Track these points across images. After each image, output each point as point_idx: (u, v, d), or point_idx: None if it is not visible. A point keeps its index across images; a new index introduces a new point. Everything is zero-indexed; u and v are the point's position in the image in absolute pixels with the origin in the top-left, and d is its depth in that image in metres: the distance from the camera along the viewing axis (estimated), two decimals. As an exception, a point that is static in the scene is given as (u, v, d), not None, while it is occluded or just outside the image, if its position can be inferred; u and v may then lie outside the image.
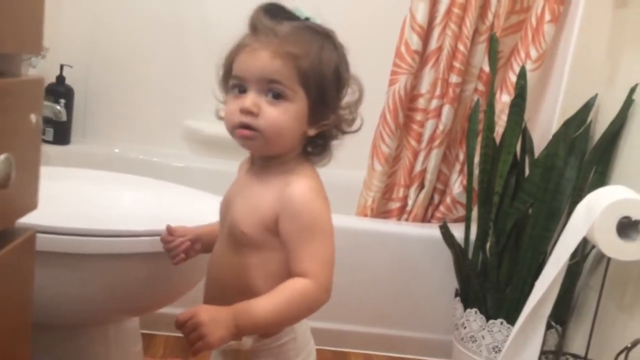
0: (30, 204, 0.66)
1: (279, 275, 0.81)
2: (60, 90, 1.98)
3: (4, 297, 0.61)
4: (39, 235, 0.95)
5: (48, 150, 1.99)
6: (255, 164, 0.88)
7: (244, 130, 0.81)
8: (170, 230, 0.97)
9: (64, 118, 1.80)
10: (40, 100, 0.66)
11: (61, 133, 2.03)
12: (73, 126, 2.08)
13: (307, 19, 0.83)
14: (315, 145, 0.87)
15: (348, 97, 0.86)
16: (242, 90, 0.82)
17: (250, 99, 0.80)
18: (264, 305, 0.78)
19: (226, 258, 0.87)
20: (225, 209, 0.89)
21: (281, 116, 0.80)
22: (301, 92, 0.81)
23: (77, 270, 1.02)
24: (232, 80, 0.83)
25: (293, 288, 0.78)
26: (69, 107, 1.99)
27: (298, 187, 0.81)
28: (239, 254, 0.85)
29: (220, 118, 0.87)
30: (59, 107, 1.78)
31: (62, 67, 1.99)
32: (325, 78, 0.82)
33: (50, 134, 2.02)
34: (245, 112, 0.80)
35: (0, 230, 0.61)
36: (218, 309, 0.77)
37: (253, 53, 0.80)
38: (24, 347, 0.67)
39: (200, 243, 0.96)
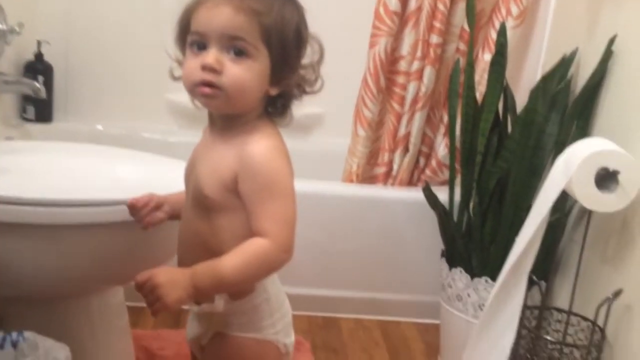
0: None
1: (247, 236, 0.80)
2: (38, 67, 1.96)
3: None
4: (15, 207, 0.96)
5: (30, 128, 1.98)
6: (216, 125, 0.86)
7: (206, 88, 0.79)
8: (133, 199, 0.96)
9: (44, 95, 1.76)
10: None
11: (43, 111, 2.01)
12: (55, 104, 2.06)
13: None
14: (276, 105, 0.86)
15: (309, 57, 0.85)
16: (202, 46, 0.80)
17: (212, 56, 0.78)
18: (222, 265, 0.78)
19: (193, 223, 0.87)
20: (189, 173, 0.89)
21: (244, 74, 0.79)
22: (264, 50, 0.80)
23: (54, 241, 1.02)
24: (192, 36, 0.81)
25: (251, 248, 0.78)
26: (48, 84, 1.96)
27: (257, 146, 0.81)
28: (204, 217, 0.84)
29: (175, 78, 0.86)
30: (37, 85, 1.76)
31: (39, 43, 1.96)
32: (287, 36, 0.81)
33: (31, 112, 2.00)
34: (208, 69, 0.78)
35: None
36: (177, 271, 0.78)
37: (215, 8, 0.78)
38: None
39: (167, 206, 0.95)
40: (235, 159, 0.81)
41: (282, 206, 0.80)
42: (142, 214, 0.95)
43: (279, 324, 0.90)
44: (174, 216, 0.95)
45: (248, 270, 0.78)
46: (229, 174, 0.81)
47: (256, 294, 0.86)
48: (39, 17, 1.99)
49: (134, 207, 0.95)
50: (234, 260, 0.78)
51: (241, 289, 0.85)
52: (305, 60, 0.85)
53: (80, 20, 2.05)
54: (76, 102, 2.11)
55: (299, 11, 0.83)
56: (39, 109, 2.00)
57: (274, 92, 0.83)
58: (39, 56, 1.97)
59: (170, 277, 0.76)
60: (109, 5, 2.05)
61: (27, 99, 1.99)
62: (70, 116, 2.11)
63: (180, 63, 0.85)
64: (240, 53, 0.79)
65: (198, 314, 0.89)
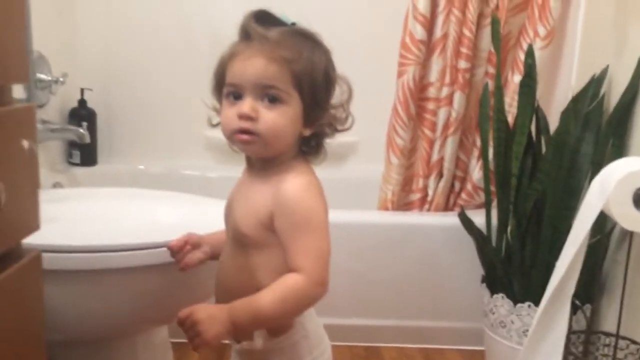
0: (31, 226, 0.69)
1: (283, 272, 0.83)
2: (82, 113, 2.05)
3: (12, 315, 0.65)
4: (58, 255, 1.01)
5: (76, 172, 2.07)
6: (254, 167, 0.90)
7: (243, 135, 0.83)
8: (172, 242, 0.99)
9: (88, 140, 1.86)
10: (33, 127, 0.69)
11: (88, 155, 2.10)
12: (99, 147, 2.14)
13: (293, 24, 0.86)
14: (309, 145, 0.89)
15: (339, 96, 0.88)
16: (237, 96, 0.84)
17: (248, 105, 0.82)
18: (259, 301, 0.80)
19: (231, 260, 0.90)
20: (228, 212, 0.92)
21: (278, 119, 0.83)
22: (295, 95, 0.84)
23: (97, 285, 1.06)
24: (228, 88, 0.85)
25: (286, 283, 0.80)
26: (92, 129, 2.05)
27: (290, 184, 0.84)
28: (243, 255, 0.87)
29: (213, 125, 0.90)
30: (82, 130, 1.84)
31: (82, 90, 2.05)
32: (317, 79, 0.85)
33: (77, 156, 2.09)
34: (245, 117, 0.82)
35: (4, 252, 0.64)
36: (215, 307, 0.81)
37: (248, 60, 0.83)
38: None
39: (208, 247, 0.99)
40: (271, 196, 0.84)
41: (315, 241, 0.82)
42: (180, 256, 0.98)
43: None
44: (214, 256, 0.98)
45: (284, 305, 0.81)
46: (264, 211, 0.84)
47: (294, 331, 0.88)
48: (80, 65, 2.09)
49: (173, 249, 0.98)
50: (269, 296, 0.80)
51: (279, 325, 0.86)
52: (336, 100, 0.88)
53: (119, 66, 2.14)
54: (119, 145, 2.19)
55: (327, 55, 0.87)
56: (84, 153, 2.09)
57: (307, 133, 0.87)
58: (82, 103, 2.06)
59: (209, 314, 0.79)
60: (143, 49, 2.13)
61: (72, 145, 2.08)
62: (113, 158, 2.19)
63: (217, 111, 0.90)
64: (273, 100, 0.83)
65: (239, 351, 0.91)
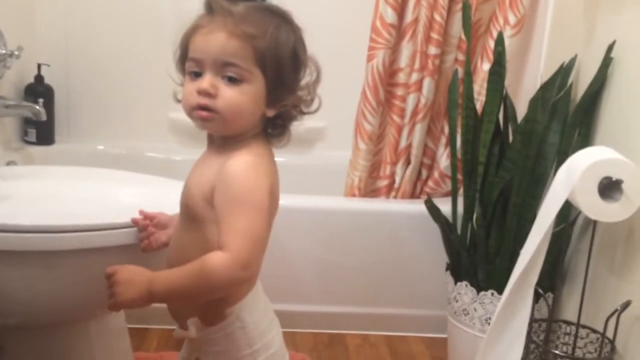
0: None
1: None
2: (39, 90, 1.96)
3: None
4: (7, 234, 0.96)
5: (32, 150, 1.99)
6: (214, 143, 0.88)
7: (202, 112, 0.81)
8: (142, 213, 0.99)
9: (44, 118, 1.78)
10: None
11: (44, 133, 2.02)
12: (56, 125, 2.06)
13: None
14: (274, 126, 0.87)
15: (306, 78, 0.86)
16: (198, 72, 0.81)
17: (207, 81, 0.80)
18: (177, 274, 0.78)
19: (178, 235, 0.88)
20: (184, 189, 0.89)
21: (238, 97, 0.80)
22: (258, 73, 0.81)
23: (51, 267, 1.01)
24: (189, 62, 0.82)
25: (207, 260, 0.77)
26: (49, 107, 1.96)
27: (236, 160, 0.81)
28: (189, 229, 0.86)
29: (178, 101, 0.87)
30: (38, 107, 1.76)
31: (39, 66, 1.97)
32: (282, 58, 0.81)
33: (33, 134, 2.00)
34: (203, 93, 0.80)
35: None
36: (139, 272, 0.78)
37: (210, 34, 0.80)
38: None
39: (172, 229, 0.95)
40: (216, 171, 0.82)
41: (247, 221, 0.78)
42: (143, 235, 0.96)
43: (260, 356, 0.87)
44: None
45: (200, 281, 0.77)
46: (208, 185, 0.82)
47: (228, 322, 0.85)
48: (38, 40, 2.00)
49: (136, 224, 0.97)
50: (187, 271, 0.78)
51: (211, 314, 0.84)
52: (302, 82, 0.85)
53: (79, 42, 2.06)
54: (77, 124, 2.12)
55: (296, 33, 0.84)
56: (41, 132, 2.00)
57: (270, 113, 0.84)
58: (39, 79, 1.97)
59: (130, 277, 0.77)
60: (108, 26, 2.06)
61: (28, 122, 2.00)
62: (72, 138, 2.11)
63: (183, 86, 0.86)
64: (233, 78, 0.80)
65: (178, 338, 0.90)
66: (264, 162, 0.83)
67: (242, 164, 0.81)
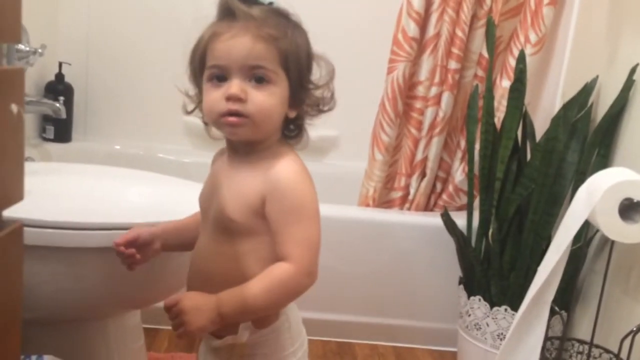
0: (15, 196, 0.65)
1: (271, 260, 0.80)
2: (59, 88, 1.98)
3: (-11, 289, 0.61)
4: (33, 229, 0.97)
5: (49, 148, 2.00)
6: (238, 152, 0.86)
7: (233, 118, 0.79)
8: (121, 241, 0.93)
9: (64, 115, 1.79)
10: (21, 91, 0.65)
11: (62, 131, 2.03)
12: (74, 124, 2.08)
13: (270, 3, 0.83)
14: (291, 128, 0.87)
15: (325, 76, 0.86)
16: (222, 78, 0.80)
17: (236, 85, 0.79)
18: (247, 291, 0.77)
19: (214, 249, 0.86)
20: (208, 201, 0.88)
21: (268, 99, 0.80)
22: (282, 75, 0.81)
23: (73, 264, 1.02)
24: (211, 70, 0.81)
25: (275, 273, 0.78)
26: (68, 105, 1.98)
27: (284, 169, 0.81)
28: (228, 242, 0.84)
29: (189, 112, 0.87)
30: (58, 105, 1.78)
31: (60, 64, 1.98)
32: (301, 59, 0.83)
33: (51, 132, 2.02)
34: (234, 98, 0.79)
35: (-17, 222, 0.60)
36: (203, 297, 0.78)
37: (233, 39, 0.79)
38: (12, 343, 0.66)
39: (159, 242, 0.95)
40: (261, 181, 0.81)
41: (307, 230, 0.79)
42: (125, 256, 0.93)
43: (299, 353, 0.88)
44: (167, 248, 0.96)
45: (272, 296, 0.78)
46: (255, 196, 0.81)
47: (279, 322, 0.85)
48: (60, 39, 2.02)
49: (117, 248, 0.93)
50: (258, 286, 0.78)
51: (266, 316, 0.84)
52: (320, 80, 0.86)
53: (100, 42, 2.08)
54: (95, 123, 2.13)
55: (306, 35, 0.85)
56: (59, 129, 2.02)
57: (292, 114, 0.84)
58: (59, 77, 1.99)
59: (196, 304, 0.77)
60: (128, 28, 2.08)
61: (46, 119, 2.02)
62: (88, 136, 2.13)
63: (191, 98, 0.86)
64: (261, 80, 0.80)
65: (218, 348, 0.87)
66: (305, 168, 0.83)
67: (292, 172, 0.81)
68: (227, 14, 0.81)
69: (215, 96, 0.80)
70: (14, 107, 0.62)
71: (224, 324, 0.78)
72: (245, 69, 0.79)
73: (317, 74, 0.86)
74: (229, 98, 0.79)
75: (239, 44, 0.79)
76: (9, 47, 1.48)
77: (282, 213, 0.79)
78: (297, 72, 0.82)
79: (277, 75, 0.80)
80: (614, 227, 1.14)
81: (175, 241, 0.96)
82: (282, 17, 0.83)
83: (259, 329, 0.84)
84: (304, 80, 0.83)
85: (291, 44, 0.81)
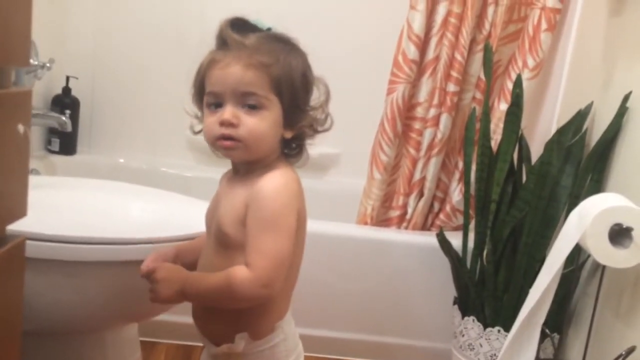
0: (18, 212, 0.68)
1: None
2: (66, 101, 2.02)
3: (-9, 301, 0.63)
4: (35, 242, 0.99)
5: (54, 160, 2.03)
6: (239, 172, 0.91)
7: (226, 142, 0.85)
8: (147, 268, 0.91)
9: (69, 129, 1.83)
10: (28, 112, 0.68)
11: (67, 143, 2.07)
12: (79, 136, 2.11)
13: (269, 29, 0.87)
14: (291, 147, 0.91)
15: (317, 98, 0.90)
16: (218, 104, 0.85)
17: (228, 112, 0.84)
18: (207, 282, 0.84)
19: (213, 263, 0.90)
20: (211, 217, 0.92)
21: (259, 124, 0.84)
22: (275, 99, 0.85)
23: (73, 277, 1.04)
24: (208, 97, 0.86)
25: (231, 275, 0.82)
26: (74, 118, 2.02)
27: (268, 181, 0.85)
28: (224, 256, 0.88)
29: (195, 133, 0.92)
30: (64, 118, 1.82)
31: (67, 78, 2.02)
32: (295, 82, 0.86)
33: (56, 144, 2.05)
34: (226, 124, 0.84)
35: (-13, 237, 0.63)
36: (175, 272, 0.85)
37: (226, 67, 0.84)
38: (12, 354, 0.69)
39: (179, 261, 0.97)
40: (249, 192, 0.85)
41: (274, 242, 0.83)
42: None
43: None
44: (184, 266, 0.98)
45: (221, 294, 0.83)
46: (241, 207, 0.85)
47: (275, 335, 0.88)
48: (68, 53, 2.06)
49: (143, 274, 0.92)
50: (214, 280, 0.84)
51: (261, 328, 0.87)
52: (315, 102, 0.90)
53: (106, 57, 2.12)
54: (100, 136, 2.17)
55: (303, 57, 0.89)
56: (64, 142, 2.05)
57: (288, 135, 0.88)
58: (66, 90, 2.03)
59: (167, 277, 0.84)
60: (134, 43, 2.12)
61: (52, 132, 2.05)
62: (93, 149, 2.16)
63: (198, 119, 0.91)
64: (253, 106, 0.84)
65: (215, 354, 0.91)
66: (291, 184, 0.87)
67: (273, 186, 0.84)
68: (223, 43, 0.86)
69: (211, 121, 0.85)
70: (21, 128, 0.65)
71: (186, 300, 0.85)
72: (238, 95, 0.84)
73: (313, 95, 0.90)
74: (222, 123, 0.84)
75: (231, 72, 0.83)
76: (18, 70, 1.52)
77: (256, 221, 0.83)
78: (291, 95, 0.86)
79: (268, 100, 0.84)
80: (603, 252, 1.15)
81: (189, 260, 0.98)
82: (279, 42, 0.86)
83: (254, 340, 0.87)
84: (299, 102, 0.87)
85: (284, 69, 0.85)
